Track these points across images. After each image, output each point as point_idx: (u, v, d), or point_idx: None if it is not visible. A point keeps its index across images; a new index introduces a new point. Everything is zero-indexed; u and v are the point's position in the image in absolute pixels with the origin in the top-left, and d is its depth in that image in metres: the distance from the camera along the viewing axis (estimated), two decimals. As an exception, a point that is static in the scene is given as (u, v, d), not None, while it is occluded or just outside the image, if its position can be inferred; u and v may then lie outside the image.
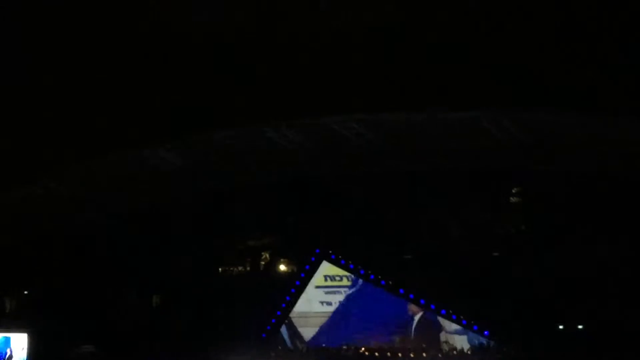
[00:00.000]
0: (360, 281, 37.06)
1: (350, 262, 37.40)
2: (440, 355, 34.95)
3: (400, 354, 35.40)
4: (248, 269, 42.40)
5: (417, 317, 36.30)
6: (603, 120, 27.79)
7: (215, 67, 27.41)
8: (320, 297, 37.88)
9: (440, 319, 36.02)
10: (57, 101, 27.64)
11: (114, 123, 28.15)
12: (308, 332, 37.90)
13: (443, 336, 35.97)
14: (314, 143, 32.50)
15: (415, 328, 36.31)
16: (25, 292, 40.74)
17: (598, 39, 24.37)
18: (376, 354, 35.89)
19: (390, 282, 36.67)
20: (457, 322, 35.69)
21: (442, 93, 27.63)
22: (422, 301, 36.17)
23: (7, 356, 37.12)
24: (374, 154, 33.29)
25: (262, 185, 36.43)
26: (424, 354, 35.10)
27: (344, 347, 36.84)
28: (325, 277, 37.90)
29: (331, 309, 37.74)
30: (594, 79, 24.94)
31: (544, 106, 26.97)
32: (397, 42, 26.20)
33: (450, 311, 35.72)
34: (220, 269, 42.43)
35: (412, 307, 36.32)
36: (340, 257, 37.66)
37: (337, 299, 37.62)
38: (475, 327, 35.27)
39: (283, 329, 38.24)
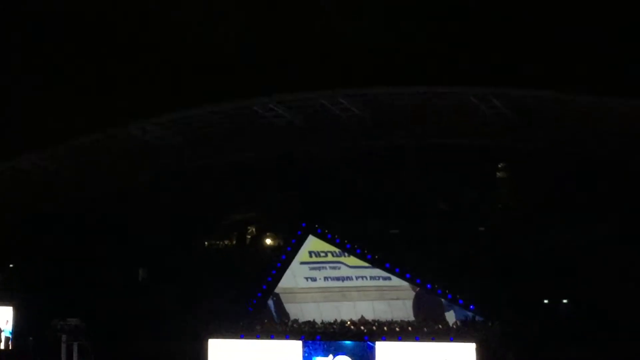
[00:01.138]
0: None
1: (336, 236, 37.32)
2: (425, 329, 34.94)
3: (385, 328, 35.41)
4: (234, 243, 42.40)
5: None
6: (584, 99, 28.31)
7: (205, 48, 27.42)
8: (304, 273, 37.94)
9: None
10: (44, 78, 27.50)
11: (102, 100, 28.08)
12: (293, 307, 38.05)
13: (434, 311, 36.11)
14: (302, 119, 32.58)
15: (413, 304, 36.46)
16: (11, 266, 40.60)
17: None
18: (362, 327, 35.91)
19: (377, 257, 36.64)
20: (443, 296, 35.72)
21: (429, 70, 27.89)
22: (407, 275, 36.17)
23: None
24: (361, 129, 33.43)
25: (249, 160, 36.43)
26: (410, 328, 35.12)
27: (330, 321, 37.00)
28: (310, 252, 37.90)
29: (315, 284, 37.81)
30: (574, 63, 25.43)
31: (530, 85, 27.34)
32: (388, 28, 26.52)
33: (436, 285, 35.73)
34: (206, 243, 42.39)
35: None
36: (326, 231, 37.58)
37: (322, 275, 37.67)
38: (460, 302, 35.32)
39: (270, 303, 38.29)
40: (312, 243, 37.74)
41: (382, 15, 29.09)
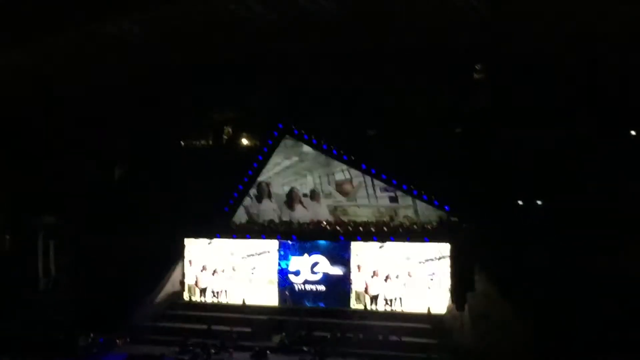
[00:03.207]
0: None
1: (313, 137, 37.19)
2: (401, 230, 35.16)
3: (361, 228, 35.61)
4: (211, 142, 42.26)
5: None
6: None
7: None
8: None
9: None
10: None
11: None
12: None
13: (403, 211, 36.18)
14: (279, 17, 32.10)
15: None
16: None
17: None
18: (337, 227, 36.13)
19: (353, 158, 36.57)
20: (418, 197, 35.76)
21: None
22: (383, 176, 36.14)
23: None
24: (340, 29, 33.01)
25: (226, 60, 35.98)
26: (385, 229, 35.33)
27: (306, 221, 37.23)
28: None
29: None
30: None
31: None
32: None
33: (412, 186, 35.75)
34: (183, 143, 42.24)
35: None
36: (303, 132, 37.43)
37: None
38: (436, 203, 35.39)
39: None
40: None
41: None
